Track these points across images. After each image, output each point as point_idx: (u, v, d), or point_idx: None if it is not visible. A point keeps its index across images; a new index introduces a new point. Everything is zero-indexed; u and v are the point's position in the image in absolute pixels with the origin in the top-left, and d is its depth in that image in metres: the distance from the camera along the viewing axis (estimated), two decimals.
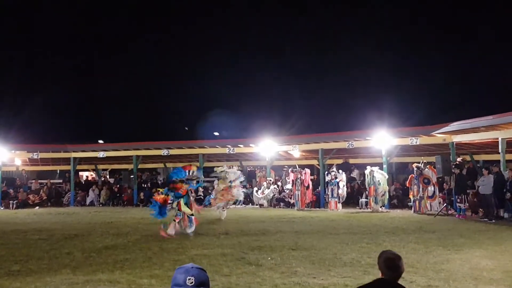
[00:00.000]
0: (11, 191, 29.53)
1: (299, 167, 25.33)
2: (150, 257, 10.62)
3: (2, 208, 27.53)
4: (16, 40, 63.49)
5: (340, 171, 24.82)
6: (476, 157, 26.80)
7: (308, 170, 25.22)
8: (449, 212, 20.22)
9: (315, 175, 28.54)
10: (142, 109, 60.28)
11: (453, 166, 20.35)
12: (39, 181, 33.24)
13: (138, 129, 50.24)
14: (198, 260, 9.95)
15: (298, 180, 24.42)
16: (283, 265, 9.39)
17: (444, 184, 21.80)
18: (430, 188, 21.49)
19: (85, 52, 65.81)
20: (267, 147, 27.17)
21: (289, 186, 26.06)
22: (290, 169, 26.01)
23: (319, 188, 25.74)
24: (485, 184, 18.66)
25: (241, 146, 28.61)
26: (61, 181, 34.86)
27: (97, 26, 65.33)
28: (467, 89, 47.82)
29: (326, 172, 25.15)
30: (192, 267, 2.57)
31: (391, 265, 3.80)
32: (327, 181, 24.38)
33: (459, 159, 22.78)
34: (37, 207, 27.97)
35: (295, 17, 65.68)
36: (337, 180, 23.77)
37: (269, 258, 10.10)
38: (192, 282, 2.47)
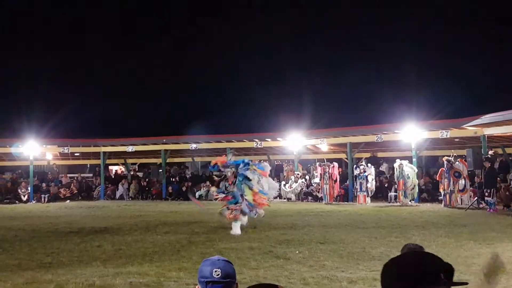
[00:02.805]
0: (43, 185, 30.08)
1: (327, 161, 25.19)
2: (179, 250, 10.71)
3: (34, 201, 28.09)
4: (48, 38, 64.48)
5: (369, 164, 24.61)
6: (508, 150, 26.21)
7: (336, 164, 25.08)
8: (480, 206, 19.86)
9: (341, 169, 28.35)
10: (171, 103, 60.65)
11: (484, 160, 19.96)
12: (70, 175, 33.82)
13: (166, 123, 50.57)
14: (226, 253, 9.98)
15: (326, 174, 24.31)
16: (311, 259, 9.36)
17: (475, 177, 21.40)
18: (461, 182, 21.13)
19: (113, 48, 66.44)
20: (295, 141, 27.08)
21: (317, 180, 25.95)
22: (317, 163, 25.89)
23: (347, 182, 25.59)
24: None
25: (269, 140, 28.58)
26: (91, 175, 35.39)
27: (130, 22, 65.90)
28: (499, 81, 46.79)
29: (355, 165, 24.97)
30: (218, 259, 2.56)
31: None
32: (355, 175, 24.20)
33: (490, 152, 22.36)
34: (68, 201, 28.46)
35: (322, 9, 65.18)
36: (366, 174, 23.58)
37: (297, 252, 10.08)
38: (218, 274, 2.46)
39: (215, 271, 2.47)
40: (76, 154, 33.65)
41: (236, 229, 13.32)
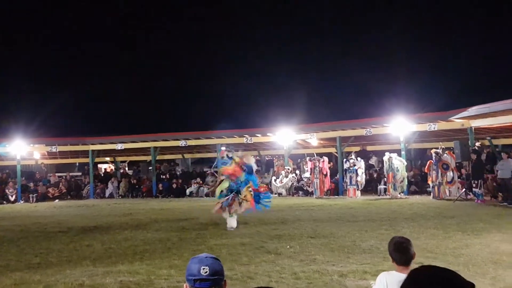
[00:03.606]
0: (31, 184, 29.88)
1: (316, 155, 25.24)
2: (169, 247, 10.67)
3: (22, 201, 27.88)
4: (34, 36, 63.97)
5: (359, 158, 24.70)
6: (495, 142, 26.44)
7: (326, 158, 25.13)
8: (468, 197, 20.02)
9: (332, 163, 28.42)
10: (159, 101, 60.44)
11: (471, 151, 20.10)
12: (58, 174, 33.61)
13: (155, 120, 50.43)
14: (217, 249, 9.97)
15: (316, 168, 24.35)
16: (302, 253, 9.37)
17: (462, 169, 21.56)
18: (449, 174, 21.26)
19: (102, 46, 66.04)
20: (285, 136, 27.11)
21: (307, 174, 25.99)
22: (307, 158, 25.93)
23: (338, 175, 25.65)
24: (504, 168, 18.44)
25: (259, 135, 28.58)
26: (80, 173, 35.21)
27: (116, 21, 65.54)
28: (486, 74, 47.10)
29: (345, 159, 25.03)
30: (206, 257, 2.54)
31: (401, 248, 3.81)
32: (345, 169, 24.27)
33: (477, 144, 22.53)
34: (57, 200, 28.29)
35: (312, 3, 65.17)
36: (356, 167, 23.66)
37: (288, 247, 10.09)
38: (206, 272, 2.44)
39: (203, 268, 2.45)
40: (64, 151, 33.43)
41: (231, 223, 13.35)
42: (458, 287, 1.55)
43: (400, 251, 3.80)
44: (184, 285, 2.55)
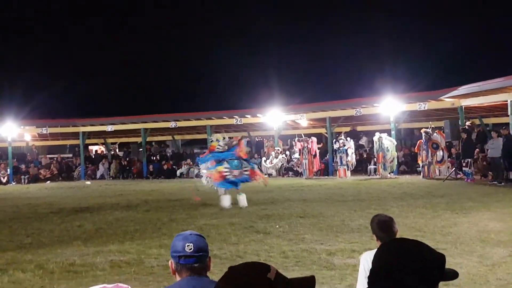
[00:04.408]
0: (22, 166, 29.80)
1: (304, 136, 25.28)
2: (160, 227, 10.75)
3: (14, 183, 27.87)
4: (22, 16, 63.21)
5: (348, 138, 24.76)
6: (485, 121, 26.55)
7: (314, 139, 25.17)
8: (458, 176, 20.18)
9: (322, 143, 28.50)
10: (148, 81, 60.15)
11: (461, 131, 20.20)
12: (50, 156, 33.52)
13: (145, 102, 50.26)
14: (206, 229, 10.05)
15: (305, 149, 24.40)
16: (291, 233, 9.47)
17: (452, 148, 21.67)
18: (439, 153, 21.36)
19: (91, 25, 65.45)
20: (274, 117, 27.10)
21: (297, 155, 26.04)
22: (296, 138, 25.97)
23: (327, 156, 25.74)
24: (494, 147, 18.53)
25: (248, 116, 28.55)
26: (71, 155, 35.12)
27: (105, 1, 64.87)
28: (476, 52, 47.18)
29: (334, 140, 25.10)
30: (190, 234, 2.58)
31: (384, 227, 3.84)
32: (335, 149, 24.34)
33: (468, 123, 22.63)
34: (48, 182, 28.27)
35: None
36: (346, 147, 23.72)
37: (277, 226, 10.18)
38: (191, 249, 2.48)
39: (188, 245, 2.49)
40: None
41: (224, 202, 13.50)
42: (428, 259, 1.57)
43: (383, 230, 3.84)
44: (170, 262, 2.60)
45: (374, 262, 1.63)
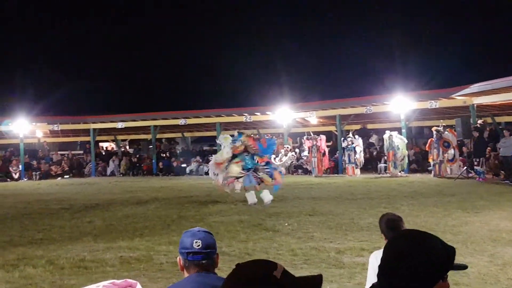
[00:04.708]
0: (34, 162, 30.01)
1: (313, 134, 25.23)
2: (169, 224, 10.78)
3: (25, 179, 28.08)
4: (39, 16, 63.63)
5: (356, 136, 24.67)
6: (498, 119, 26.33)
7: (323, 137, 25.10)
8: (470, 175, 20.02)
9: (332, 141, 28.41)
10: (158, 79, 60.29)
11: (473, 129, 20.04)
12: (61, 152, 33.74)
13: (155, 99, 50.38)
14: (215, 226, 10.06)
15: (314, 147, 24.36)
16: (300, 231, 9.45)
17: (464, 147, 21.51)
18: (450, 152, 21.20)
19: (101, 22, 65.73)
20: (284, 115, 27.07)
21: (306, 153, 26.00)
22: (305, 136, 25.93)
23: (337, 154, 25.66)
24: (506, 145, 18.33)
25: (258, 114, 28.55)
26: (82, 152, 35.32)
27: None
28: (488, 50, 46.81)
29: (342, 138, 25.03)
30: (199, 230, 2.58)
31: (393, 225, 3.84)
32: (343, 147, 24.27)
33: (480, 121, 22.45)
34: (59, 178, 28.43)
35: None
36: (354, 145, 23.65)
37: (286, 224, 10.17)
38: (199, 245, 2.49)
39: (196, 242, 2.50)
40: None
41: (250, 199, 13.46)
42: (438, 250, 1.57)
43: (392, 229, 3.83)
44: (178, 258, 2.60)
45: (383, 255, 1.64)
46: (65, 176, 28.74)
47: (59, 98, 38.49)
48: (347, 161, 23.83)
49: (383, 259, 1.64)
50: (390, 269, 1.59)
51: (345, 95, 30.35)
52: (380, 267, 1.63)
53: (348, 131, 27.13)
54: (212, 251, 2.53)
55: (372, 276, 3.75)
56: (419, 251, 1.56)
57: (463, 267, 1.65)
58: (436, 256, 1.56)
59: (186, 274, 2.54)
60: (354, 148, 23.56)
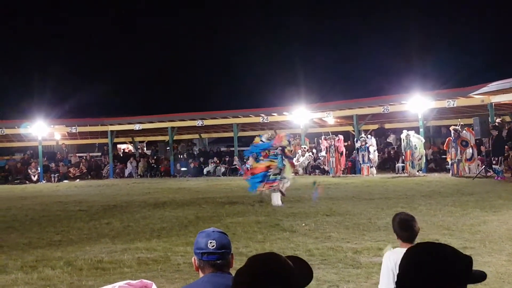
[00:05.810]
0: (52, 165, 30.33)
1: (331, 134, 25.17)
2: (186, 225, 10.82)
3: (44, 181, 28.39)
4: (56, 19, 64.40)
5: (369, 136, 24.56)
6: None
7: (341, 137, 25.03)
8: (488, 174, 19.80)
9: (349, 141, 28.31)
10: (175, 80, 60.55)
11: (492, 128, 19.82)
12: (79, 154, 34.07)
13: (172, 101, 50.59)
14: (232, 227, 10.08)
15: (332, 147, 24.30)
16: (317, 231, 9.43)
17: (482, 146, 21.27)
18: (469, 151, 21.01)
19: (118, 24, 66.22)
20: (301, 115, 27.03)
21: (323, 153, 25.94)
22: (323, 136, 25.87)
23: (354, 154, 25.57)
24: None
25: (275, 114, 28.55)
26: (100, 154, 35.63)
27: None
28: (506, 48, 46.22)
29: (356, 138, 24.93)
30: (213, 231, 2.59)
31: (406, 225, 3.82)
32: (357, 147, 24.18)
33: (498, 120, 22.19)
34: (78, 180, 28.71)
35: None
36: (367, 145, 23.55)
37: (303, 224, 10.15)
38: (213, 246, 2.50)
39: (210, 242, 2.51)
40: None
41: (275, 200, 13.49)
42: (454, 261, 1.56)
43: (404, 228, 3.81)
44: (193, 258, 2.62)
45: (401, 268, 1.64)
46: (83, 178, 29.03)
47: (77, 100, 38.88)
48: (361, 161, 23.75)
49: (401, 270, 1.64)
50: (409, 280, 1.59)
51: (362, 95, 30.17)
52: (398, 278, 1.63)
53: (366, 131, 26.99)
54: (226, 251, 2.54)
55: (385, 276, 3.73)
56: (437, 262, 1.55)
57: (482, 277, 1.63)
58: (453, 266, 1.55)
59: (201, 274, 2.55)
60: (368, 148, 23.47)
